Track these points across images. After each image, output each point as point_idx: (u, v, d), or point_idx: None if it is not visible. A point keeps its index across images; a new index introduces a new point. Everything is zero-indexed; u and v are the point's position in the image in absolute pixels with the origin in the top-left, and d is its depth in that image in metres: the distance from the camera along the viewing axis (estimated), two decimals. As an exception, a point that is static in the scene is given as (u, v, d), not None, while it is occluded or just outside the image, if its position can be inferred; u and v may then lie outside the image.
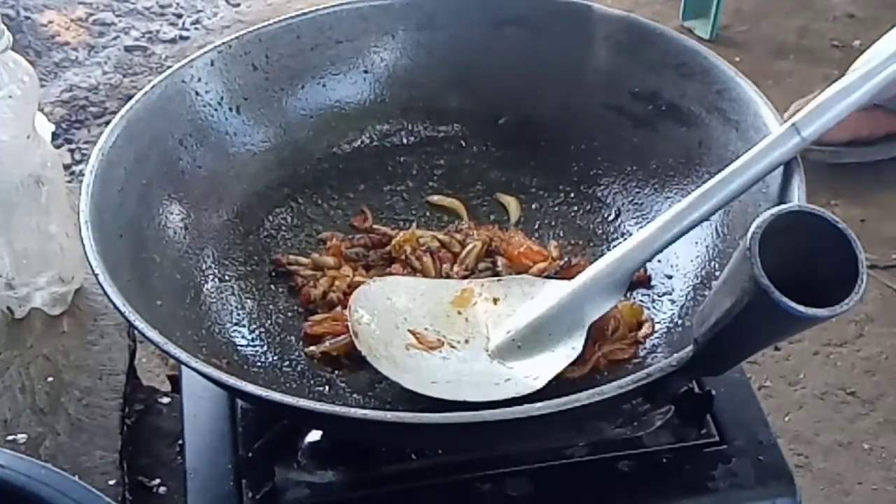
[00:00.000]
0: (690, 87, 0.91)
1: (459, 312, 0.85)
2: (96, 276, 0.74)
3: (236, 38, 0.95)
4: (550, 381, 0.79)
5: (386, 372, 0.79)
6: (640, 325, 0.85)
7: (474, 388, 0.78)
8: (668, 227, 0.79)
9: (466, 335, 0.84)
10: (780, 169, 0.80)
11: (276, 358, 0.85)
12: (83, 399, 0.92)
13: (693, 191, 0.82)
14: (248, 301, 0.88)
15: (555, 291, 0.83)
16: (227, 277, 0.89)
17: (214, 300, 0.87)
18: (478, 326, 0.84)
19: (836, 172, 1.55)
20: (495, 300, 0.86)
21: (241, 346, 0.84)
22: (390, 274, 0.89)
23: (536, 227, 0.95)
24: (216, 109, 0.93)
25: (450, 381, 0.79)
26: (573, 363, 0.81)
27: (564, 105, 0.97)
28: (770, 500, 0.79)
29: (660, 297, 0.87)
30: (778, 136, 0.78)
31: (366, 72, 0.99)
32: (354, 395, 0.82)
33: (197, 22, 1.96)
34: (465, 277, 0.89)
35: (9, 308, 0.98)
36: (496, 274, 0.89)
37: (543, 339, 0.81)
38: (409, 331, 0.83)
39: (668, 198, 0.91)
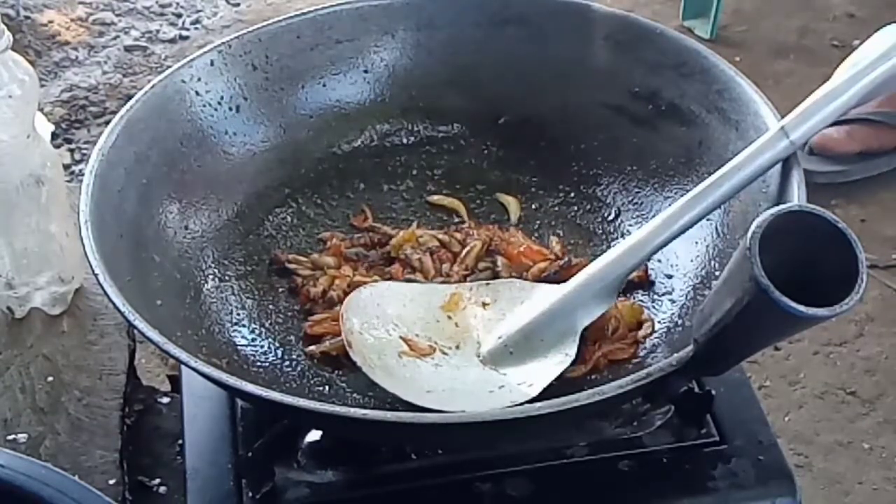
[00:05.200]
0: (690, 86, 0.91)
1: (449, 317, 0.85)
2: (96, 275, 0.74)
3: (236, 37, 0.95)
4: (550, 382, 0.79)
5: (381, 382, 0.78)
6: (640, 325, 0.85)
7: (469, 397, 0.78)
8: (659, 232, 0.79)
9: (457, 340, 0.83)
10: (780, 169, 0.80)
11: (275, 358, 0.85)
12: (83, 399, 0.92)
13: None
14: (248, 301, 0.88)
15: (546, 296, 0.83)
16: (227, 277, 0.89)
17: (214, 300, 0.87)
18: (468, 331, 0.84)
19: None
20: (485, 304, 0.86)
21: (241, 345, 0.84)
22: (390, 274, 0.89)
23: (536, 226, 0.95)
24: (216, 109, 0.93)
25: (445, 390, 0.79)
26: (572, 363, 0.81)
27: (564, 105, 0.98)
28: (770, 500, 0.79)
29: (660, 296, 0.87)
30: (767, 139, 0.78)
31: (366, 72, 0.99)
32: (354, 395, 0.82)
33: (197, 22, 1.96)
34: (465, 277, 0.89)
35: (9, 308, 0.98)
36: (496, 274, 0.89)
37: (536, 344, 0.81)
38: (401, 338, 0.83)
39: (668, 198, 0.91)
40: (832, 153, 1.56)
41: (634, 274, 0.88)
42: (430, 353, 0.82)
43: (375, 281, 0.88)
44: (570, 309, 0.81)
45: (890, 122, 1.56)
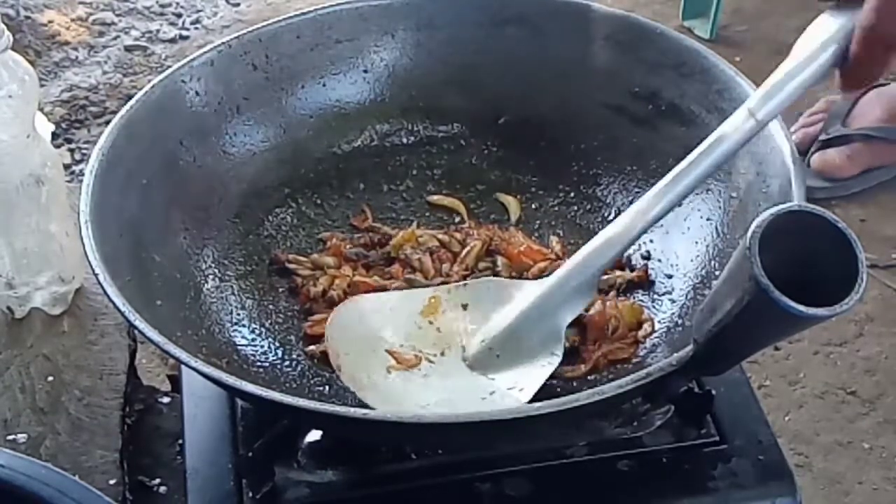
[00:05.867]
0: (690, 86, 0.91)
1: (431, 322, 0.85)
2: (96, 275, 0.74)
3: (236, 37, 0.95)
4: (549, 381, 0.79)
5: (373, 403, 0.78)
6: (640, 325, 0.85)
7: (461, 407, 0.78)
8: (633, 224, 0.79)
9: (441, 347, 0.83)
10: (780, 169, 0.80)
11: (275, 358, 0.85)
12: (83, 399, 0.92)
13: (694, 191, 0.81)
14: (249, 301, 0.88)
15: (525, 295, 0.83)
16: (227, 277, 0.89)
17: (214, 300, 0.87)
18: (451, 336, 0.84)
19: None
20: (464, 306, 0.85)
21: (241, 345, 0.84)
22: (390, 274, 0.89)
23: (536, 226, 0.95)
24: (216, 109, 0.93)
25: (437, 402, 0.78)
26: (572, 363, 0.81)
27: (564, 105, 0.97)
28: (770, 500, 0.79)
29: (660, 296, 0.87)
30: (733, 122, 0.78)
31: (365, 71, 0.99)
32: (354, 395, 0.81)
33: (197, 21, 1.96)
34: (464, 277, 0.89)
35: (9, 308, 0.98)
36: (496, 274, 0.89)
37: (521, 346, 0.81)
38: (387, 351, 0.82)
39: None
40: (833, 177, 1.56)
41: (634, 274, 0.88)
42: (416, 364, 0.82)
43: (376, 281, 0.89)
44: (552, 307, 0.81)
45: (889, 138, 1.56)
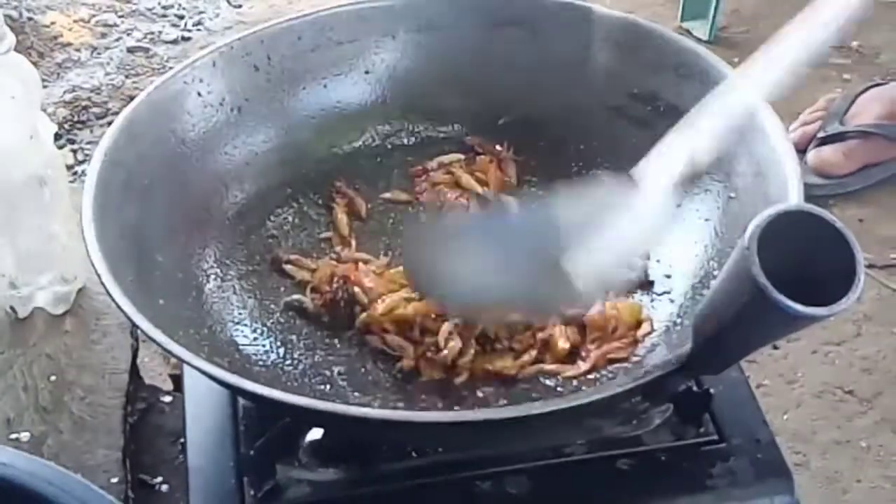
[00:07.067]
0: (689, 87, 0.91)
1: None
2: (99, 275, 0.74)
3: (238, 39, 0.95)
4: (549, 381, 0.79)
5: None
6: (639, 325, 0.85)
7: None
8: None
9: None
10: (778, 169, 0.80)
11: (277, 357, 0.85)
12: (86, 398, 0.92)
13: (692, 191, 0.82)
14: (250, 300, 0.89)
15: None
16: (228, 277, 0.89)
17: (216, 299, 0.87)
18: None
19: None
20: None
21: (243, 344, 0.85)
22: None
23: (536, 226, 0.95)
24: (217, 110, 0.93)
25: None
26: (572, 363, 0.82)
27: (564, 105, 0.98)
28: (768, 498, 0.79)
29: (659, 296, 0.88)
30: None
31: (367, 73, 0.99)
32: (355, 394, 0.82)
33: (199, 23, 1.96)
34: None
35: (12, 307, 0.98)
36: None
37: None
38: None
39: (667, 198, 0.91)
40: (830, 175, 1.56)
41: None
42: None
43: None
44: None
45: (887, 135, 1.56)
